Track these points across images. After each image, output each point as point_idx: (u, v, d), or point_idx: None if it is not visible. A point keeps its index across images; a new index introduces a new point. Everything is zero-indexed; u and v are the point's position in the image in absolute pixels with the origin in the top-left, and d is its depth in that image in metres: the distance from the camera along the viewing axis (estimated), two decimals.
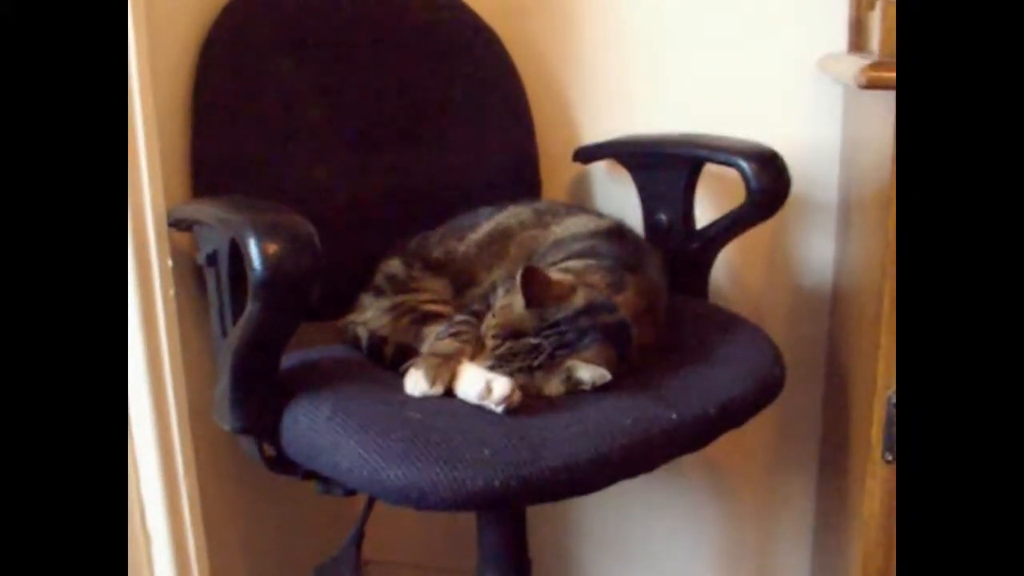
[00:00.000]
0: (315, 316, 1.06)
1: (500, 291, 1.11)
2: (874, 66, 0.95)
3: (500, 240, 1.24)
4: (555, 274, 1.07)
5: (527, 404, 0.99)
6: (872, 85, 0.95)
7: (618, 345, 1.03)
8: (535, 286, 1.03)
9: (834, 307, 1.50)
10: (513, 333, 1.03)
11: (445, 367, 1.01)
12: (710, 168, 1.37)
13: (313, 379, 1.05)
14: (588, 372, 1.00)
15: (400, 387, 1.02)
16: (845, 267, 1.41)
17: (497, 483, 0.88)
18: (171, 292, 1.09)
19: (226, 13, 1.26)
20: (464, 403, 0.99)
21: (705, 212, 1.40)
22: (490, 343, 1.03)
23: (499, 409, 0.97)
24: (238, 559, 1.38)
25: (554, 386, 1.02)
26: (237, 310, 1.03)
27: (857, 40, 1.35)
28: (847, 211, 1.40)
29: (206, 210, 1.07)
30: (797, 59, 1.44)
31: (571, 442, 0.93)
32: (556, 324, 1.02)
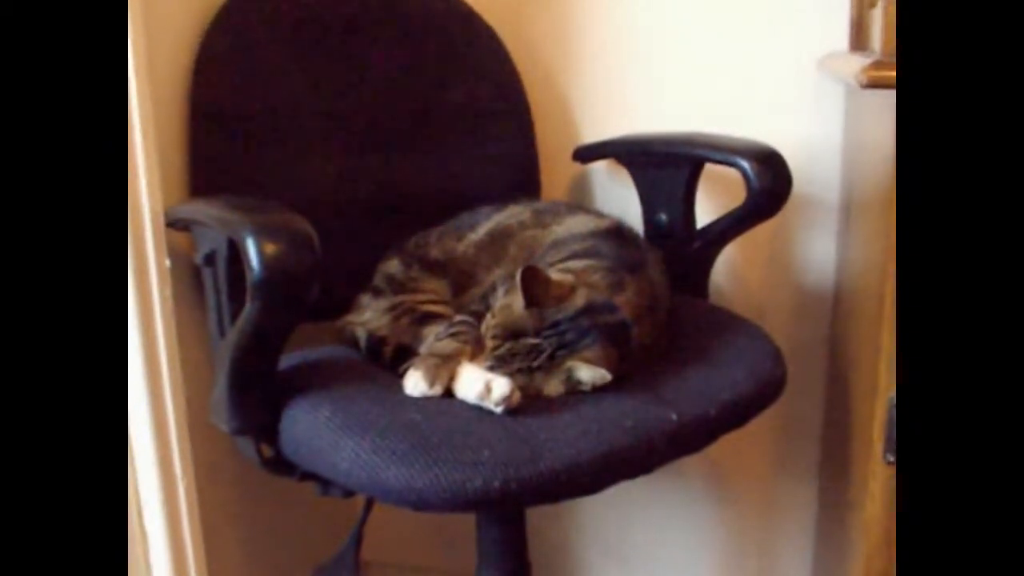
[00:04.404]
0: (313, 316, 1.06)
1: (499, 291, 1.10)
2: (875, 65, 0.95)
3: (499, 240, 1.23)
4: (555, 274, 1.07)
5: (527, 405, 0.98)
6: (873, 84, 0.95)
7: (618, 345, 1.03)
8: (535, 286, 1.02)
9: (836, 307, 1.50)
10: (513, 333, 1.02)
11: (444, 368, 1.01)
12: (711, 168, 1.36)
13: (312, 380, 1.04)
14: (588, 373, 1.00)
15: (399, 388, 1.01)
16: (847, 267, 1.40)
17: (497, 484, 0.88)
18: (168, 292, 1.08)
19: (224, 12, 1.26)
20: (463, 404, 0.99)
21: (706, 212, 1.39)
22: (490, 343, 1.03)
23: (499, 410, 0.96)
24: (236, 561, 1.38)
25: (554, 387, 1.02)
26: (235, 310, 1.03)
27: (858, 39, 1.35)
28: (848, 211, 1.40)
29: (204, 210, 1.07)
30: (798, 58, 1.43)
31: (571, 443, 0.93)
32: (556, 324, 1.02)
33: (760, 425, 1.16)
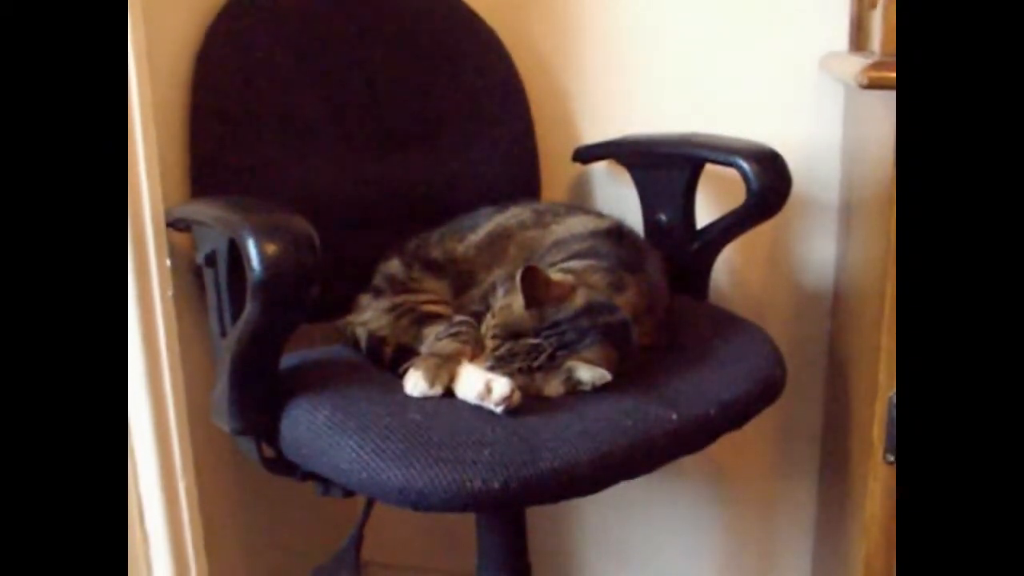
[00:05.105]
0: (314, 317, 1.06)
1: (500, 292, 1.10)
2: (875, 66, 0.95)
3: (500, 240, 1.23)
4: (555, 274, 1.07)
5: (527, 405, 0.98)
6: (873, 85, 0.95)
7: (618, 346, 1.03)
8: (535, 286, 1.02)
9: (835, 307, 1.50)
10: (513, 334, 1.02)
11: (444, 368, 1.01)
12: (710, 168, 1.36)
13: (312, 380, 1.05)
14: (588, 373, 1.00)
15: (399, 388, 1.01)
16: (846, 267, 1.41)
17: (497, 484, 0.88)
18: (169, 292, 1.08)
19: (224, 12, 1.26)
20: (464, 404, 0.99)
21: (705, 212, 1.39)
22: (490, 344, 1.03)
23: (499, 410, 0.96)
24: (237, 560, 1.38)
25: (554, 387, 1.02)
26: (236, 310, 1.03)
27: (858, 39, 1.35)
28: (848, 211, 1.40)
29: (205, 210, 1.07)
30: (798, 59, 1.43)
31: (571, 443, 0.93)
32: (556, 324, 1.02)
33: (760, 425, 1.16)
